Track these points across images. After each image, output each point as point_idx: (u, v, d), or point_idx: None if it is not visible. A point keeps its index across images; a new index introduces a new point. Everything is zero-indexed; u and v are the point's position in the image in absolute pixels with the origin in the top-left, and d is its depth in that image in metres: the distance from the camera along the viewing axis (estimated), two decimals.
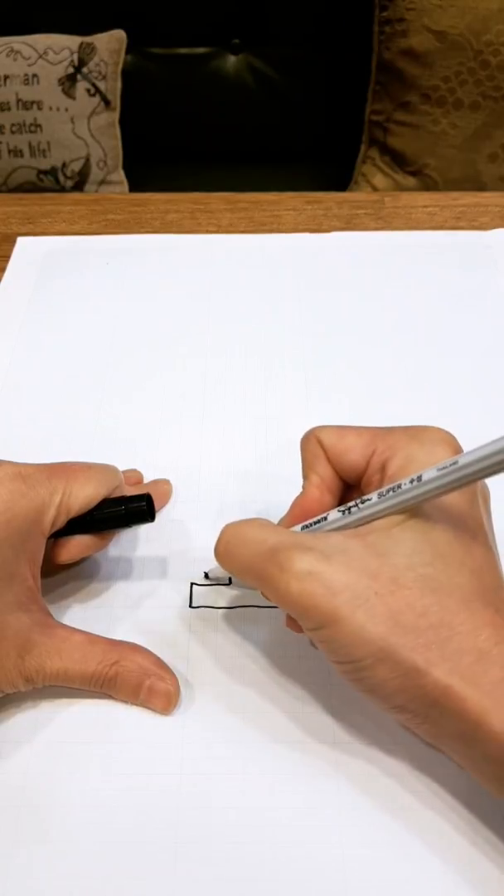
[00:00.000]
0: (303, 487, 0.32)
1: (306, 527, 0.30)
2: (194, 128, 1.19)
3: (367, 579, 0.25)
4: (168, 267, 0.56)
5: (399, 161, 1.09)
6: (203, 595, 0.37)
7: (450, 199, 0.62)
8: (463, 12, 0.95)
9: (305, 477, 0.32)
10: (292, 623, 0.31)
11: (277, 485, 0.42)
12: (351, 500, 0.29)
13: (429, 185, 1.08)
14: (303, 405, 0.46)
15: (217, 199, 0.63)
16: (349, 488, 0.32)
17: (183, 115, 1.18)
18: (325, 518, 0.30)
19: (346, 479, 0.32)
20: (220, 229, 0.60)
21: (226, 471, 0.43)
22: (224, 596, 0.37)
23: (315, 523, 0.30)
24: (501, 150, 1.04)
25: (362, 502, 0.28)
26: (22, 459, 0.34)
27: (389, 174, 1.11)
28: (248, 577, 0.28)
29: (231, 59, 1.14)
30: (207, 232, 0.60)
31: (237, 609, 0.36)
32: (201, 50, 1.13)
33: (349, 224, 0.60)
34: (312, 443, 0.32)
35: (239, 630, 0.36)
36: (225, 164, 1.18)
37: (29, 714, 0.33)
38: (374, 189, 1.11)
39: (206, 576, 0.38)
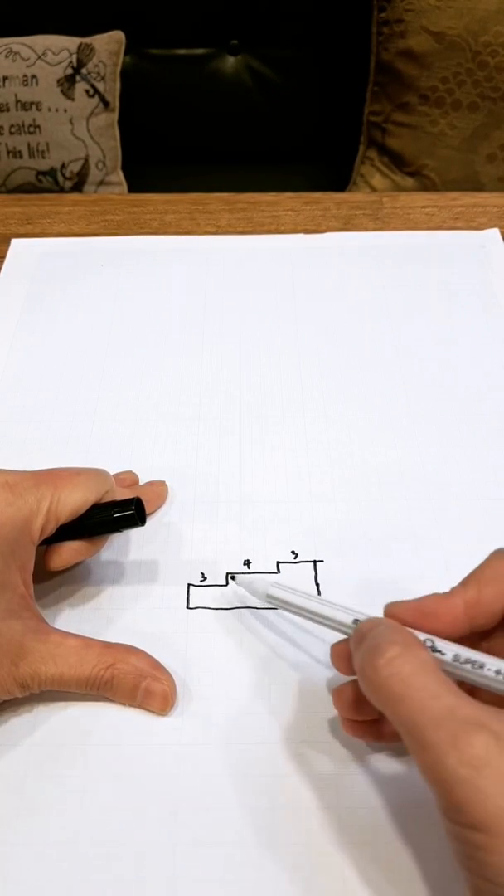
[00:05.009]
0: (451, 590, 0.28)
1: (456, 658, 0.27)
2: (193, 129, 1.19)
3: None
4: (166, 267, 0.56)
5: (397, 162, 1.09)
6: (200, 596, 0.37)
7: (448, 199, 0.62)
8: (461, 13, 0.95)
9: (464, 584, 0.28)
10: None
11: (275, 484, 0.42)
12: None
13: (427, 185, 1.08)
14: (299, 405, 0.46)
15: (216, 199, 0.63)
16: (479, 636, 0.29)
17: (181, 116, 1.18)
18: (483, 666, 0.26)
19: (484, 623, 0.28)
20: (218, 230, 0.60)
21: (222, 471, 0.42)
22: (221, 597, 0.37)
23: (470, 664, 0.26)
24: (500, 151, 1.04)
25: None
26: (18, 460, 0.34)
27: (388, 175, 1.11)
28: (400, 724, 0.23)
29: (230, 60, 1.14)
30: (206, 232, 0.60)
31: (234, 610, 0.36)
32: (200, 51, 1.13)
33: (347, 224, 0.60)
34: (499, 568, 0.28)
35: (236, 631, 0.35)
36: (224, 165, 1.18)
37: (25, 717, 0.32)
38: (373, 190, 1.11)
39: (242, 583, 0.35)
